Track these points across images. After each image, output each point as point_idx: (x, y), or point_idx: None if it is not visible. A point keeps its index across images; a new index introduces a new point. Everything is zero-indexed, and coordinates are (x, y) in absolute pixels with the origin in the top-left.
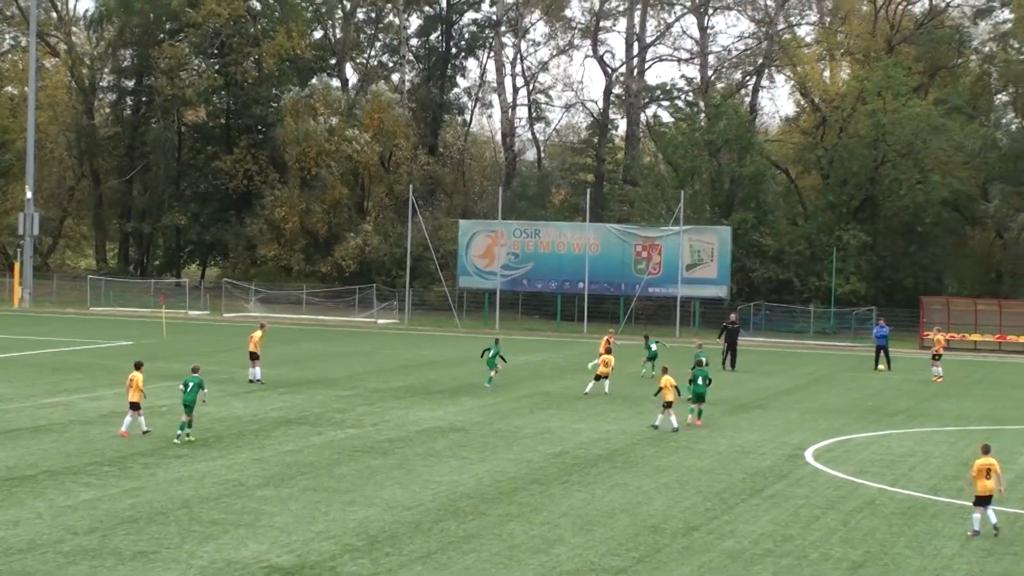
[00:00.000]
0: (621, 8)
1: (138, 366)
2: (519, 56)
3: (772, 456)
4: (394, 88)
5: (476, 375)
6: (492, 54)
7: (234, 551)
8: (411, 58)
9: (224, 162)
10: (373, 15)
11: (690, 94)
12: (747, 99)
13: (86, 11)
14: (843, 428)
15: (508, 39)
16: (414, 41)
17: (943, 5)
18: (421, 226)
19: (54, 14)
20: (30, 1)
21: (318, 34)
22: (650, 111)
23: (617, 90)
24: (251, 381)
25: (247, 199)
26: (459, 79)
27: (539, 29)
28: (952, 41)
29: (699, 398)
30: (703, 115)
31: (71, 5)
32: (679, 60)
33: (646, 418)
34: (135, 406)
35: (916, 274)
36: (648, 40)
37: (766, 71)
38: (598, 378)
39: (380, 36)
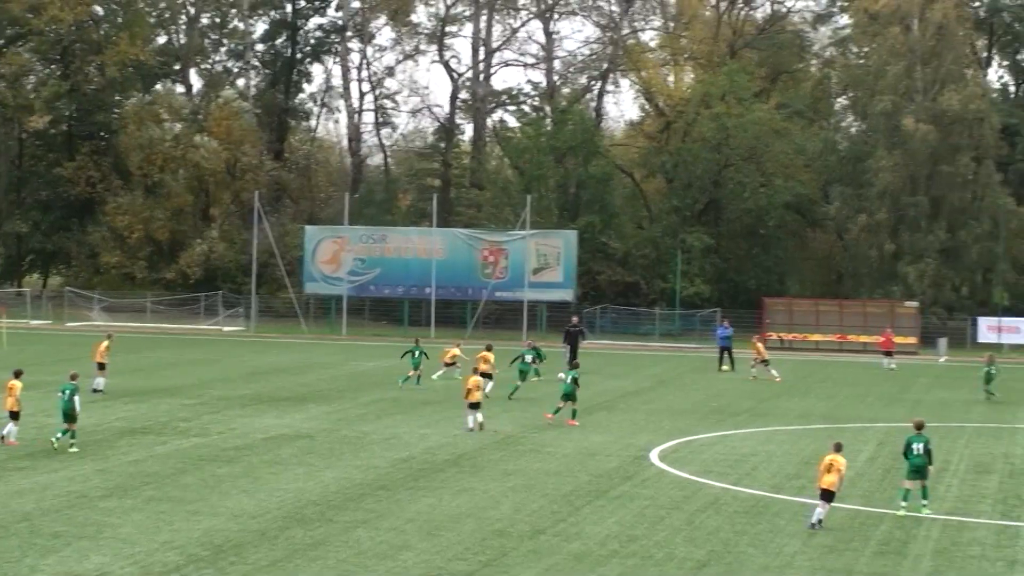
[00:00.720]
0: (467, 13)
1: (17, 374)
2: (365, 61)
3: (618, 458)
4: (239, 94)
5: (323, 381)
6: (338, 59)
7: (76, 564)
8: (256, 63)
9: (66, 169)
10: (218, 20)
11: (536, 99)
12: (592, 104)
13: None
14: (688, 429)
15: (354, 44)
16: (259, 46)
17: (784, 11)
18: (267, 232)
19: None
20: None
21: (162, 39)
22: (496, 116)
23: (463, 95)
24: (94, 391)
25: (90, 206)
26: (305, 84)
27: (385, 34)
28: (793, 46)
29: (567, 397)
30: (549, 120)
31: None
32: (525, 65)
33: (493, 423)
34: (14, 415)
35: (759, 276)
36: (494, 45)
37: (611, 76)
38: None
39: (225, 41)
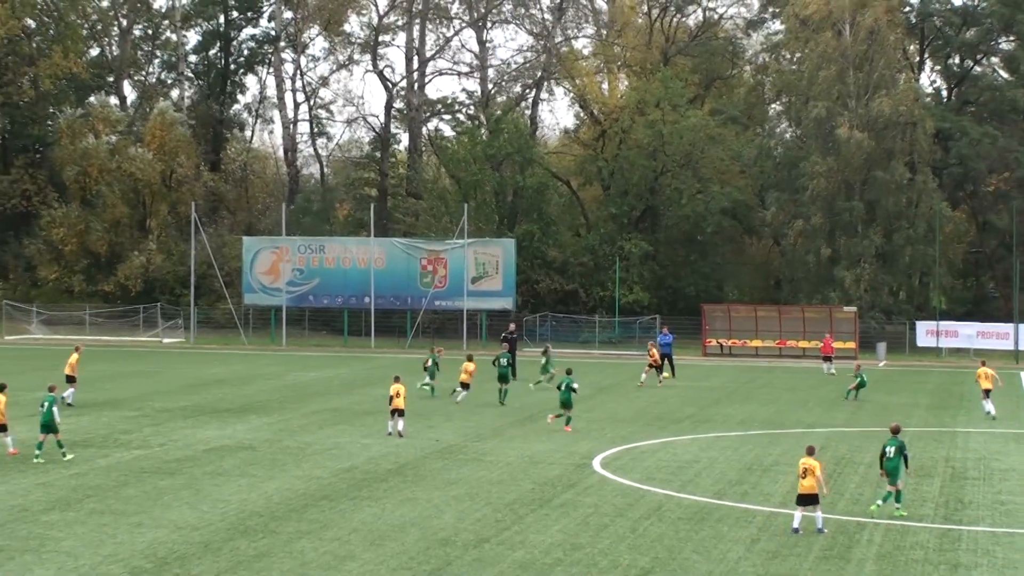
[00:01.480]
0: (400, 23)
1: (1, 388)
2: (299, 71)
3: (561, 466)
4: (173, 105)
5: (264, 392)
6: (272, 70)
7: None
8: (190, 74)
9: (1, 183)
10: (150, 31)
11: (471, 108)
12: (527, 112)
13: None
14: (630, 436)
15: (288, 54)
16: (192, 57)
17: (716, 17)
18: (205, 244)
19: None
20: None
21: (95, 51)
22: (432, 125)
23: (398, 104)
24: (69, 404)
25: (26, 220)
26: (239, 95)
27: (318, 44)
28: (726, 52)
29: (564, 404)
30: (484, 129)
31: None
32: (459, 74)
33: (435, 432)
34: (2, 427)
35: (697, 282)
36: (428, 54)
37: (545, 84)
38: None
39: (158, 52)
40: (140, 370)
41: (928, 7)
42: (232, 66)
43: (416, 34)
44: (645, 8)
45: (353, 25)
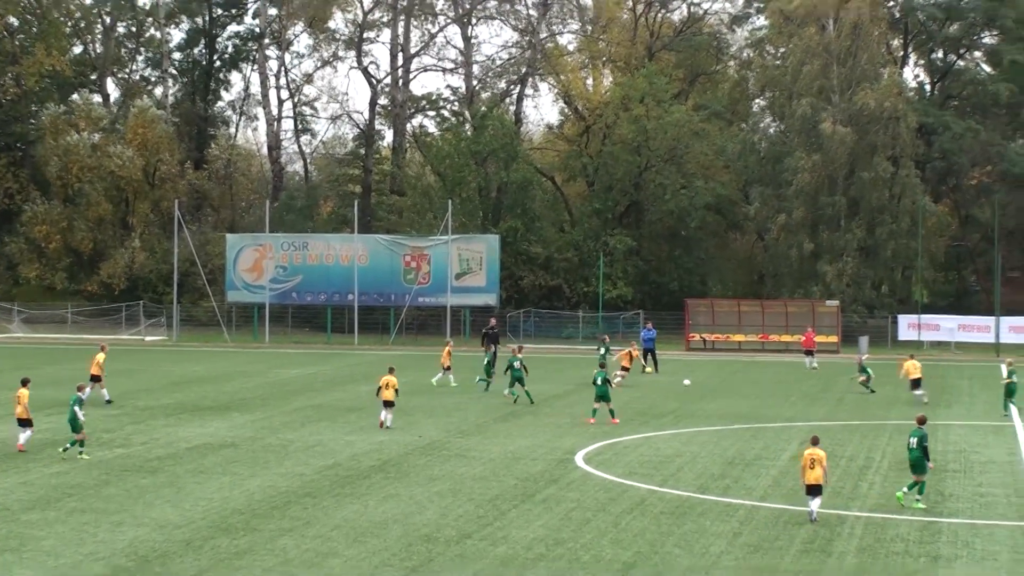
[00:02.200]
0: (385, 19)
1: (25, 383)
2: (283, 68)
3: (543, 461)
4: (157, 102)
5: (246, 390)
6: (256, 67)
7: None
8: (174, 72)
9: None
10: (134, 29)
11: (455, 104)
12: (512, 108)
13: None
14: (612, 431)
15: (272, 51)
16: (176, 55)
17: (701, 13)
18: (188, 241)
19: None
20: None
21: (78, 49)
22: (416, 121)
23: (383, 101)
24: (107, 402)
25: (8, 217)
26: (223, 92)
27: (303, 41)
28: (710, 48)
29: (600, 398)
30: (469, 125)
31: None
32: (444, 70)
33: (418, 428)
34: (25, 423)
35: (681, 277)
36: (412, 51)
37: (530, 80)
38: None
39: (142, 50)
40: (122, 368)
41: (912, 2)
42: (216, 63)
43: (401, 30)
44: (630, 4)
45: (338, 22)
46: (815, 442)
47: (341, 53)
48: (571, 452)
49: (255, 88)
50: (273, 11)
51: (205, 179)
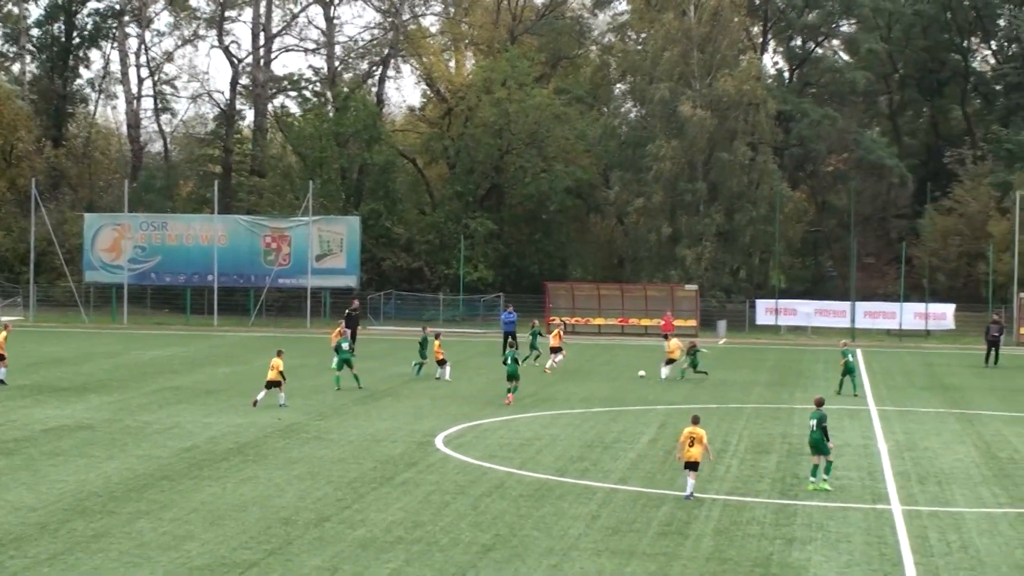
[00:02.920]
0: None
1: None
2: (143, 46)
3: (403, 444)
4: (14, 79)
5: (104, 371)
6: (116, 44)
7: None
8: (32, 48)
9: None
10: None
11: (317, 85)
12: (374, 89)
13: None
14: (472, 414)
15: (132, 29)
16: (35, 31)
17: None
18: (45, 220)
19: None
20: None
21: None
22: (278, 102)
23: (244, 81)
24: (1, 382)
25: None
26: (83, 70)
27: (164, 19)
28: (573, 32)
29: (509, 377)
30: (331, 106)
31: None
32: (306, 50)
33: (277, 411)
34: None
35: (541, 260)
36: (274, 30)
37: (392, 61)
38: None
39: None
40: None
41: None
42: (75, 40)
43: (263, 10)
44: None
45: (199, 0)
46: (695, 421)
47: (202, 32)
48: (431, 435)
49: (115, 66)
50: None
51: (63, 157)
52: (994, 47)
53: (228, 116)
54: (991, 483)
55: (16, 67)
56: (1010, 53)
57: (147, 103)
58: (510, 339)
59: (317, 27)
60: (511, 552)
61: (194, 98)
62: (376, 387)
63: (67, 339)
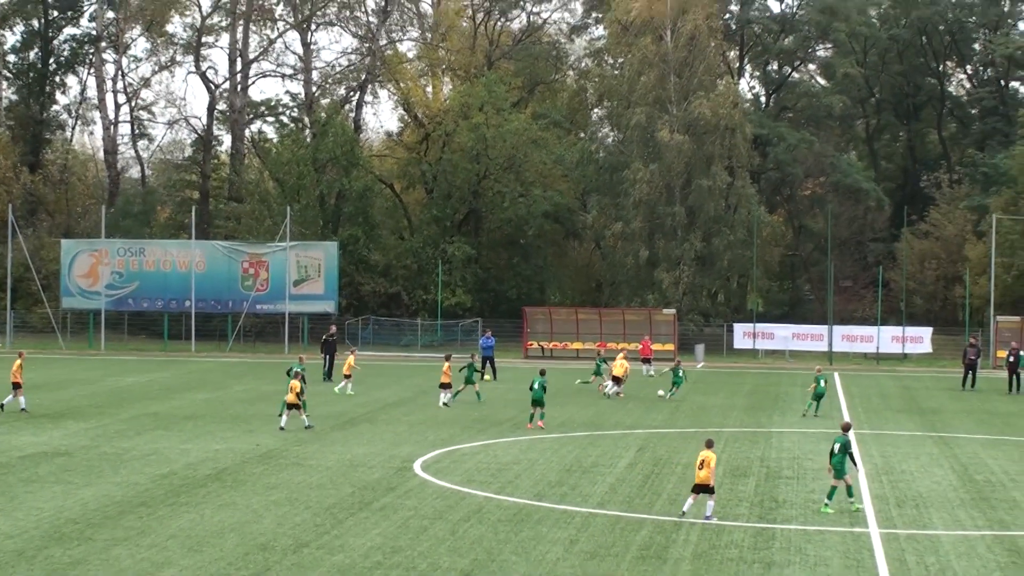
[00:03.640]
0: (223, 24)
1: None
2: (120, 72)
3: (381, 469)
4: None
5: (81, 397)
6: (92, 70)
7: None
8: (8, 74)
9: None
10: None
11: (295, 110)
12: (352, 115)
13: None
14: (450, 439)
15: (109, 55)
16: (11, 57)
17: (540, 22)
18: (22, 246)
19: None
20: None
21: None
22: (255, 127)
23: (221, 106)
24: (22, 410)
25: None
26: (59, 96)
27: (140, 45)
28: (549, 57)
29: (536, 403)
30: (308, 131)
31: None
32: (283, 76)
33: (255, 437)
34: None
35: (519, 285)
36: (251, 56)
37: (369, 87)
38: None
39: None
40: None
41: (747, 14)
42: (52, 66)
43: (240, 35)
44: (470, 12)
45: (176, 26)
46: (709, 445)
47: (179, 57)
48: (409, 460)
49: (92, 92)
50: (111, 14)
51: (40, 183)
52: (969, 71)
53: (205, 142)
54: (968, 506)
55: None
56: (985, 77)
57: (124, 129)
58: (487, 364)
59: (294, 52)
60: None
61: (171, 124)
62: (354, 412)
63: (44, 365)
